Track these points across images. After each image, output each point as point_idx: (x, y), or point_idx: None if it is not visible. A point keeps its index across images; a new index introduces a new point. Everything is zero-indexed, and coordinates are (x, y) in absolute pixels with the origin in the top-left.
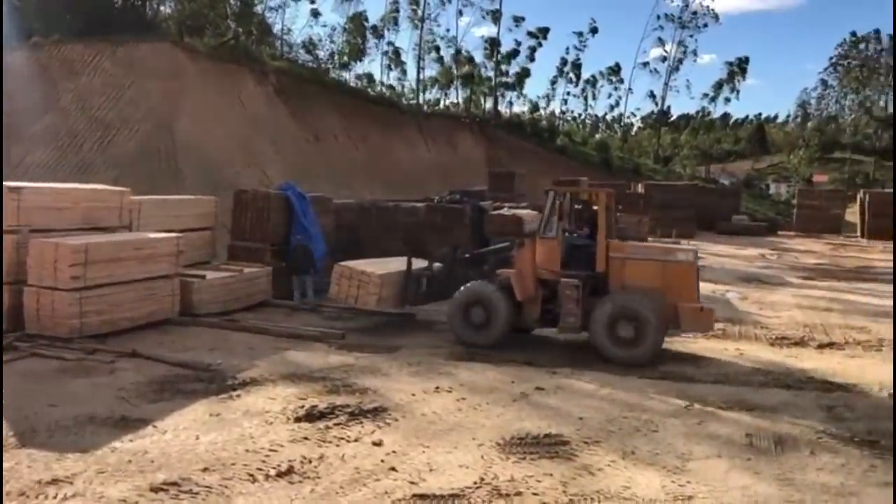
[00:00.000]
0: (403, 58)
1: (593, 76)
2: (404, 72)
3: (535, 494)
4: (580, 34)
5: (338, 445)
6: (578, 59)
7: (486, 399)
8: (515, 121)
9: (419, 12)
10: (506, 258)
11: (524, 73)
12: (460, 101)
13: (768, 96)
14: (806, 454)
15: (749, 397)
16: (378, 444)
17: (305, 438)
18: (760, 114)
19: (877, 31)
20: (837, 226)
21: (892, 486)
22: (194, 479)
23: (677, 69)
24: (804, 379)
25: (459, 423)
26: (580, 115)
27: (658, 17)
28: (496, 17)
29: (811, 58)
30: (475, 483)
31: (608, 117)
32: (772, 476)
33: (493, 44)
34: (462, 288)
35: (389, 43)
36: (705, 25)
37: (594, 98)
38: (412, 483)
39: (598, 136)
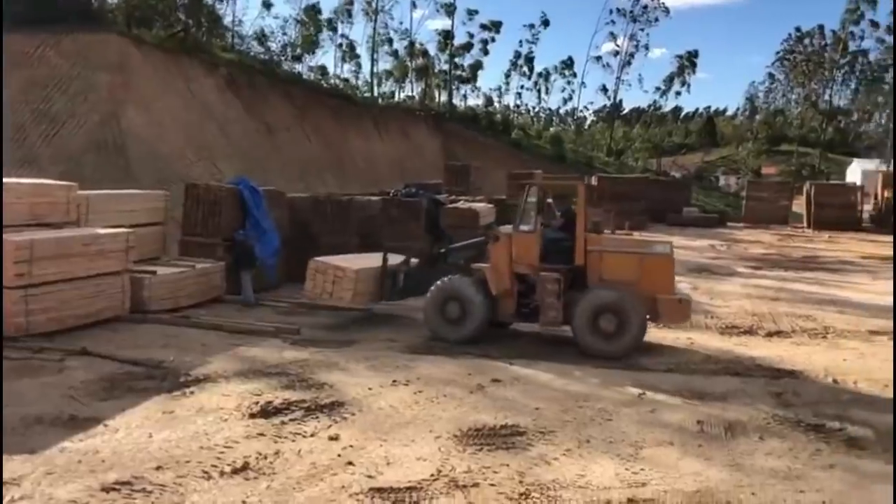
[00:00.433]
0: (358, 51)
1: (546, 70)
2: (359, 65)
3: (491, 485)
4: (532, 27)
5: (294, 441)
6: (531, 52)
7: (443, 392)
8: (470, 114)
9: (373, 4)
10: (481, 253)
11: (477, 66)
12: (415, 94)
13: (718, 90)
14: (755, 439)
15: (700, 385)
16: (334, 438)
17: (261, 435)
18: (710, 107)
19: (820, 27)
20: (785, 217)
21: (836, 468)
22: (147, 478)
23: (629, 63)
24: (753, 366)
25: (416, 416)
26: (534, 108)
27: (610, 11)
28: (450, 10)
29: (758, 52)
30: (432, 475)
31: (562, 111)
32: (722, 462)
33: (447, 37)
34: (437, 284)
35: (343, 35)
36: (656, 20)
37: (547, 92)
38: (369, 477)
39: (552, 129)
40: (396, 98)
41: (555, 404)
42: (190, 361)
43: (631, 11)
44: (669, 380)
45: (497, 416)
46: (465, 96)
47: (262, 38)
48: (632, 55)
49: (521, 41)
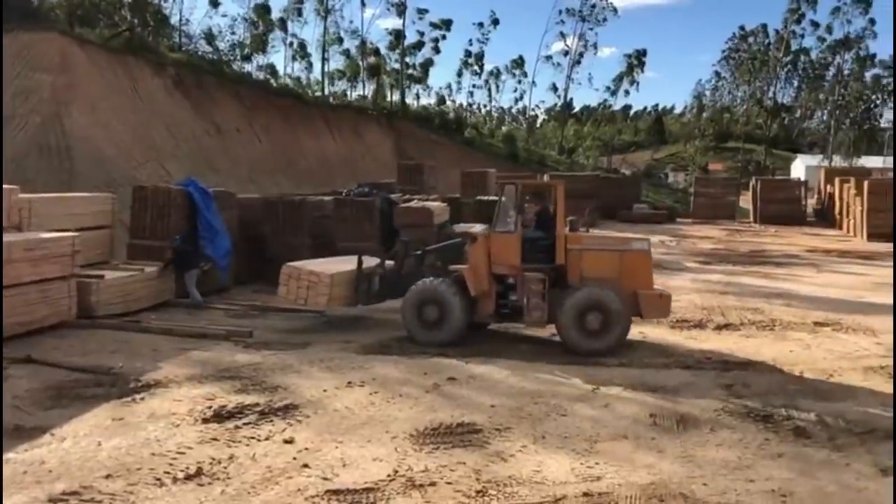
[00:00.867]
0: (309, 50)
1: (497, 69)
2: (310, 64)
3: (448, 483)
4: (481, 25)
5: (248, 445)
6: (482, 51)
7: (398, 392)
8: (423, 113)
9: (324, 3)
10: (458, 254)
11: (428, 64)
12: (367, 93)
13: (666, 88)
14: (706, 431)
15: (652, 379)
16: (289, 441)
17: (214, 439)
18: (658, 105)
19: (764, 26)
20: (732, 212)
21: (784, 457)
22: (97, 487)
23: (579, 62)
24: (703, 359)
25: (372, 416)
26: (486, 107)
27: (560, 11)
28: (401, 9)
29: (705, 50)
30: (389, 476)
31: (513, 110)
32: (675, 454)
33: (398, 35)
34: (414, 286)
35: (293, 35)
36: (605, 19)
37: (498, 90)
38: (325, 479)
39: (504, 128)
40: (348, 97)
41: (510, 401)
42: (140, 367)
43: (580, 11)
44: (622, 374)
45: (453, 414)
46: (417, 95)
47: (210, 37)
48: (581, 54)
49: (471, 40)
